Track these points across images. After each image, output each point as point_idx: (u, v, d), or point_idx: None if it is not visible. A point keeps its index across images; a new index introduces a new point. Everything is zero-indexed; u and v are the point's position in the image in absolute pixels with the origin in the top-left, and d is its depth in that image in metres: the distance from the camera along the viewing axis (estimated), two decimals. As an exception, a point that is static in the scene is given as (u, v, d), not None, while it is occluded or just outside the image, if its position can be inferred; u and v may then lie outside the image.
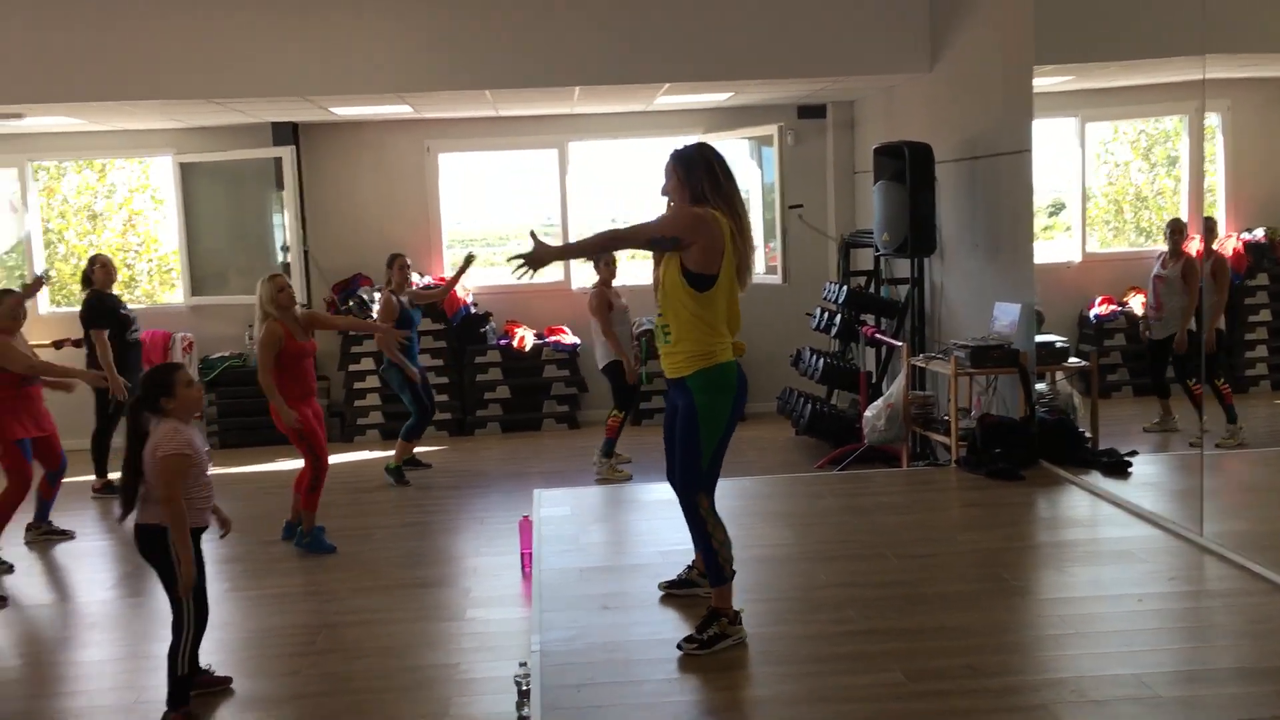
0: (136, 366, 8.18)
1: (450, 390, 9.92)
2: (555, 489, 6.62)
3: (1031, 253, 6.69)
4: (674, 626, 4.25)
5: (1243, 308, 6.04)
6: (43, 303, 9.97)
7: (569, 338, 10.01)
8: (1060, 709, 3.48)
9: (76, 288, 10.03)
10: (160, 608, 4.57)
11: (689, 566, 4.58)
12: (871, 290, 8.91)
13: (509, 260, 4.02)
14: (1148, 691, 3.58)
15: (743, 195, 4.27)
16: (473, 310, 10.00)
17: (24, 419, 6.60)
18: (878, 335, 8.21)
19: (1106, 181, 7.20)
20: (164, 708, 4.38)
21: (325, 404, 9.63)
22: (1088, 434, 6.48)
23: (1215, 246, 5.79)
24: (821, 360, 8.69)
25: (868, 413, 7.51)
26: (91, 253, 8.91)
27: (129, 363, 8.07)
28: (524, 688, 3.83)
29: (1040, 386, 6.71)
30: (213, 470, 4.55)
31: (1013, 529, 5.47)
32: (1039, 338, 6.62)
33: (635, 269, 9.30)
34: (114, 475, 8.13)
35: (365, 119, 9.82)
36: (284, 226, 9.86)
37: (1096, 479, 6.00)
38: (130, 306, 8.45)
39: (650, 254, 4.26)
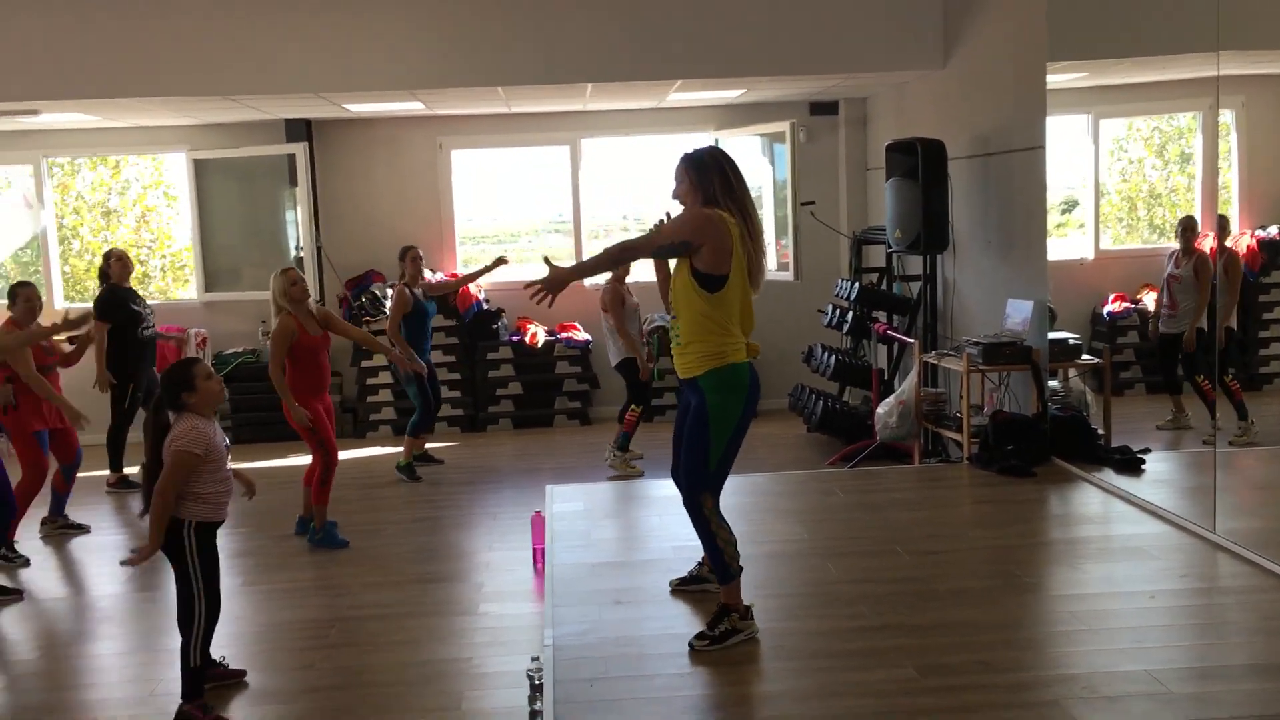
0: (150, 362, 8.23)
1: (462, 386, 9.95)
2: (567, 484, 6.64)
3: (1045, 249, 6.68)
4: (686, 621, 4.26)
5: (1256, 305, 6.02)
6: (58, 298, 10.02)
7: (581, 334, 10.02)
8: (1072, 704, 3.48)
9: (91, 283, 10.10)
10: (175, 602, 4.59)
11: (699, 563, 4.59)
12: (883, 287, 8.91)
13: (526, 288, 4.04)
14: (1160, 687, 3.58)
15: (755, 193, 4.28)
16: (485, 307, 10.02)
17: (42, 411, 6.66)
18: (890, 332, 8.20)
19: (1120, 178, 7.18)
20: (179, 700, 4.41)
21: (338, 399, 9.68)
22: (1100, 431, 6.47)
23: (1228, 244, 5.77)
24: (833, 357, 8.69)
25: (879, 409, 7.51)
26: (106, 249, 8.93)
27: (141, 358, 8.11)
28: (536, 682, 3.85)
29: (1053, 384, 6.70)
30: (230, 465, 4.57)
31: (1025, 526, 5.46)
32: (1052, 335, 6.61)
33: (645, 266, 9.29)
34: (129, 470, 8.19)
35: (378, 115, 9.85)
36: (297, 223, 9.89)
37: (1109, 476, 5.99)
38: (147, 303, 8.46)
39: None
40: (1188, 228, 6.18)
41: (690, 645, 4.02)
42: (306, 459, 6.76)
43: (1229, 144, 5.80)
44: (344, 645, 5.14)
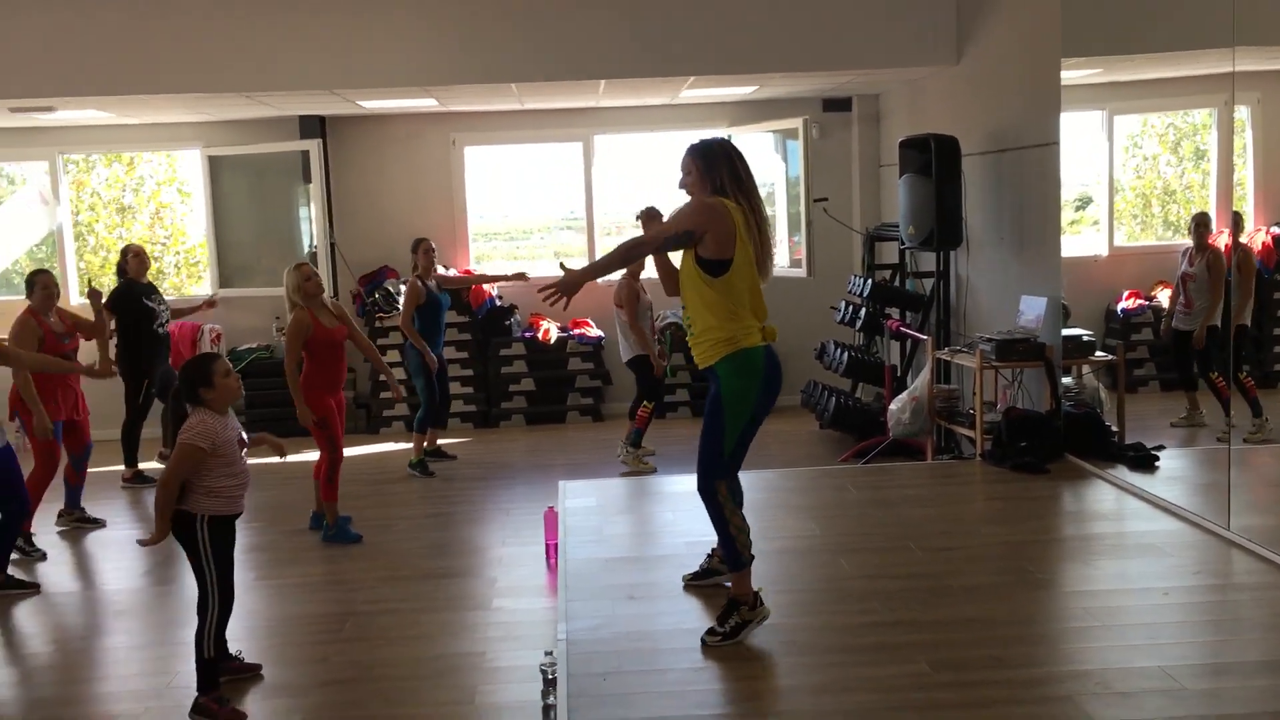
0: (164, 357, 8.26)
1: (475, 383, 9.97)
2: (580, 480, 6.65)
3: (1058, 246, 6.66)
4: (699, 616, 4.27)
5: (1271, 302, 6.00)
6: (73, 294, 10.07)
7: (594, 331, 10.03)
8: (1085, 700, 3.48)
9: (106, 279, 10.15)
10: (190, 595, 4.62)
11: (709, 555, 4.60)
12: (896, 283, 8.90)
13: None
14: (1173, 684, 3.58)
15: (768, 189, 4.30)
16: (498, 303, 10.04)
17: (58, 401, 6.70)
18: (902, 329, 8.19)
19: (1134, 175, 7.16)
20: (194, 692, 4.43)
21: (351, 395, 9.70)
22: (1114, 428, 6.46)
23: (1243, 240, 5.75)
24: (846, 354, 8.68)
25: (892, 406, 7.50)
26: (123, 245, 8.97)
27: (155, 354, 8.14)
28: (550, 676, 3.86)
29: (1066, 380, 6.69)
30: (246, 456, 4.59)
31: (1037, 522, 5.46)
32: (1065, 331, 6.60)
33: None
34: (144, 465, 8.24)
35: (391, 112, 9.87)
36: (311, 219, 9.92)
37: (1123, 473, 5.97)
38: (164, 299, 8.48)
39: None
40: (1201, 224, 6.15)
41: (703, 641, 4.03)
42: (317, 454, 6.79)
43: (1244, 140, 5.78)
44: (357, 639, 5.16)
